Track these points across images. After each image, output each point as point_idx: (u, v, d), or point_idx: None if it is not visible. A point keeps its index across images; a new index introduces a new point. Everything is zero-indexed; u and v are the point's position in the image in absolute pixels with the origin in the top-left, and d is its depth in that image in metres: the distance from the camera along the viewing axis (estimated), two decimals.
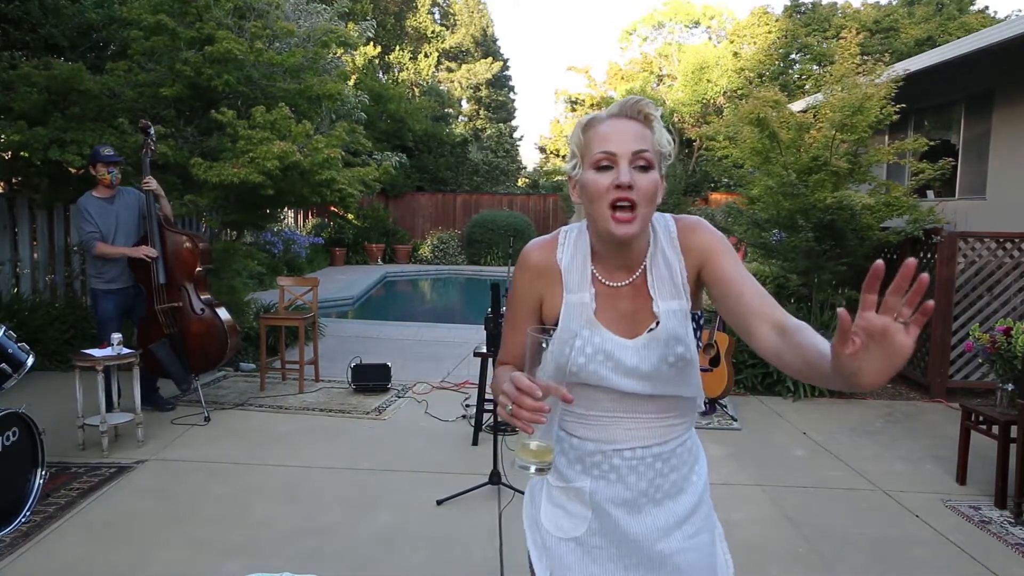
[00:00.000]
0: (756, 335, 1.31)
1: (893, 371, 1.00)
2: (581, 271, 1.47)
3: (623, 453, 1.48)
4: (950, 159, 7.06)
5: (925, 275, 0.96)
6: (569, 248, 1.50)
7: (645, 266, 1.46)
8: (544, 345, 1.34)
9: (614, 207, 1.36)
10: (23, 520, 3.63)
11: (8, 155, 7.10)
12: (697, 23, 27.99)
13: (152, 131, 5.52)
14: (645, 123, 1.41)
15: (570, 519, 1.54)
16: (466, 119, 29.76)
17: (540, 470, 1.33)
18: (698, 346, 1.47)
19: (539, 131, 43.61)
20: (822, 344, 1.14)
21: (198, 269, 5.53)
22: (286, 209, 12.60)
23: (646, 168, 1.37)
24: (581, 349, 1.43)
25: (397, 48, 28.06)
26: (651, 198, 1.37)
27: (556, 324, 1.46)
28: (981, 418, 4.35)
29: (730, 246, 1.47)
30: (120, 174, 5.41)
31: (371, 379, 6.39)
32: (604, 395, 1.46)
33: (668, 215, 1.52)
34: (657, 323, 1.43)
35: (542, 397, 1.24)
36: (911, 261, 0.94)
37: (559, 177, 22.69)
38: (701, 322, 1.51)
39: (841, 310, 1.00)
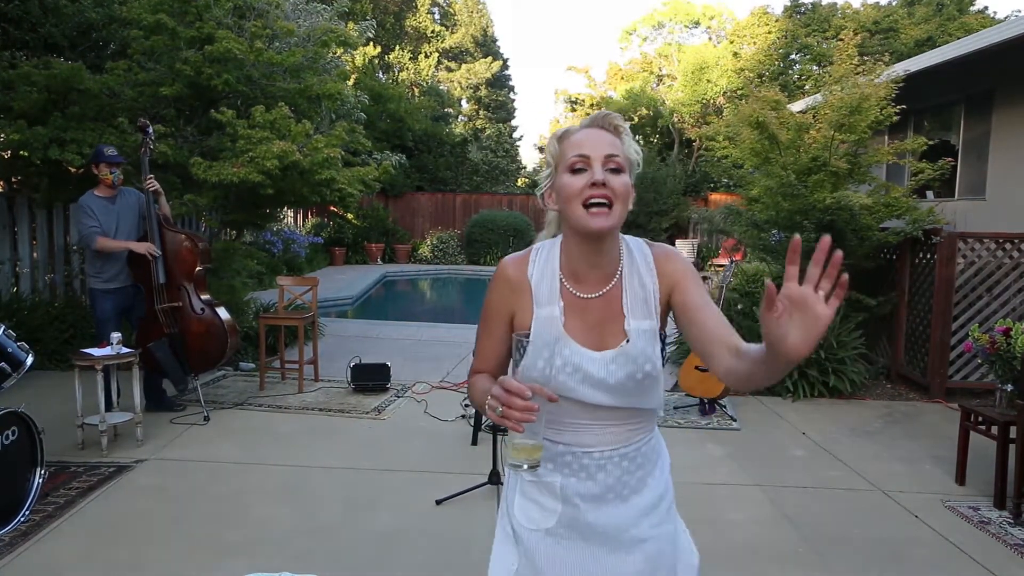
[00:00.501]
0: (715, 357, 1.41)
1: (814, 338, 1.08)
2: (550, 285, 1.54)
3: (592, 454, 1.56)
4: (950, 159, 7.06)
5: (839, 251, 1.06)
6: (539, 263, 1.57)
7: (618, 281, 1.54)
8: (523, 346, 1.44)
9: (587, 205, 1.44)
10: (22, 519, 3.63)
11: (8, 154, 7.10)
12: (697, 23, 27.98)
13: (151, 130, 5.52)
14: (615, 133, 1.51)
15: (541, 512, 1.61)
16: (466, 119, 29.75)
17: (532, 467, 1.41)
18: (665, 358, 1.56)
19: (539, 131, 43.59)
20: (755, 347, 1.27)
21: (197, 269, 5.54)
22: (286, 209, 12.60)
23: (618, 171, 1.47)
24: (550, 361, 1.49)
25: (397, 48, 28.06)
26: (624, 197, 1.46)
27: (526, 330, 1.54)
28: (980, 418, 4.35)
29: (697, 275, 1.57)
30: (122, 174, 5.41)
31: (370, 379, 6.39)
32: (571, 404, 1.52)
33: (642, 240, 1.61)
34: (628, 340, 1.50)
35: (530, 397, 1.31)
36: (826, 238, 1.05)
37: None
38: (666, 343, 1.59)
39: (767, 280, 1.12)
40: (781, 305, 1.09)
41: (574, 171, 1.46)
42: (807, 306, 1.07)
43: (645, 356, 1.49)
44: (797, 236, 1.07)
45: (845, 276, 1.07)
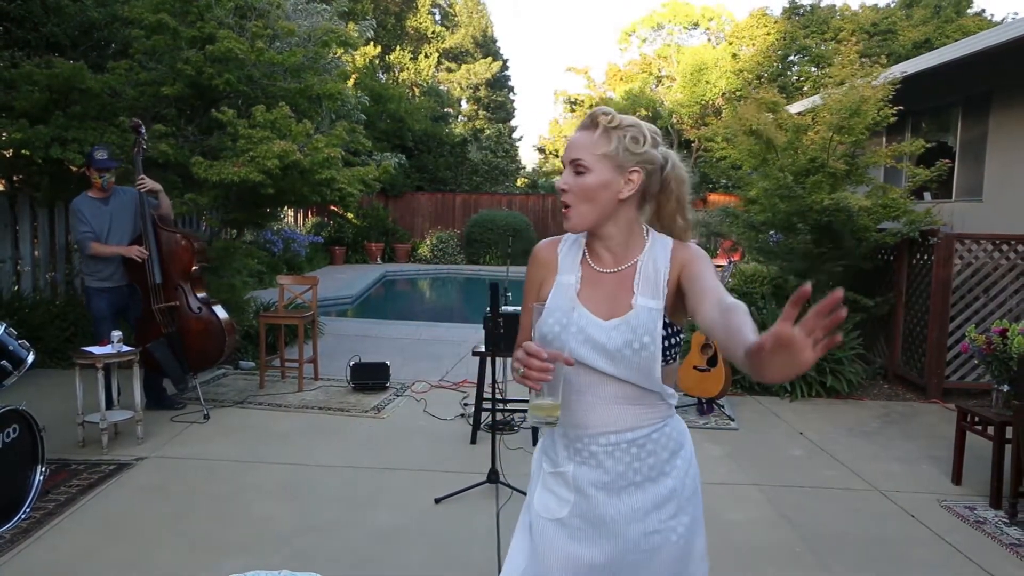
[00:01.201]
0: (700, 311, 1.52)
1: (789, 377, 1.16)
2: (573, 258, 1.71)
3: (598, 440, 1.63)
4: (947, 161, 7.08)
5: (844, 310, 1.08)
6: (569, 242, 1.75)
7: (634, 264, 1.66)
8: (541, 313, 1.64)
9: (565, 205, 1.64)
10: (23, 516, 3.64)
11: (10, 153, 7.11)
12: (696, 24, 28.02)
13: (143, 130, 5.53)
14: (594, 127, 1.63)
15: (557, 502, 1.69)
16: (466, 119, 29.77)
17: (549, 423, 1.56)
18: (675, 353, 1.63)
19: (538, 131, 43.61)
20: (745, 328, 1.33)
21: (194, 268, 5.54)
22: (286, 208, 12.61)
23: (581, 172, 1.61)
24: (559, 320, 1.62)
25: (397, 48, 28.06)
26: (583, 196, 1.61)
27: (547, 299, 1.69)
28: (977, 419, 4.37)
29: (710, 261, 1.66)
30: (114, 177, 5.41)
31: (370, 378, 6.41)
32: (575, 375, 1.60)
33: (672, 239, 1.71)
34: (632, 311, 1.61)
35: (546, 359, 1.45)
36: (838, 293, 1.07)
37: (557, 178, 22.73)
38: (680, 339, 1.65)
39: (807, 286, 1.13)
40: (768, 343, 1.13)
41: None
42: (793, 350, 1.11)
43: (645, 328, 1.57)
44: (807, 286, 1.11)
45: (838, 336, 1.13)
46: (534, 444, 3.92)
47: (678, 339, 1.64)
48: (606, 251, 1.68)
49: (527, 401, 1.59)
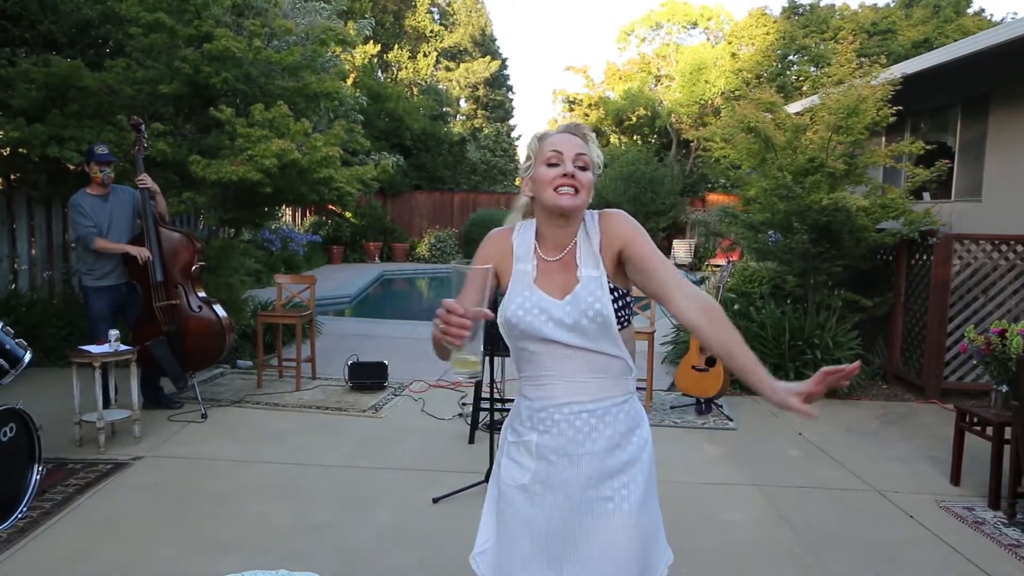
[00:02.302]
0: (672, 300, 1.73)
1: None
2: (527, 249, 1.87)
3: (561, 409, 1.78)
4: (946, 161, 7.08)
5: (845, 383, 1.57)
6: (521, 234, 1.90)
7: (574, 245, 1.84)
8: (462, 274, 1.78)
9: (557, 189, 1.77)
10: (20, 516, 3.63)
11: (7, 152, 7.10)
12: (695, 24, 27.98)
13: (144, 128, 5.52)
14: (584, 140, 1.85)
15: (520, 469, 1.84)
16: (464, 118, 29.75)
17: (471, 377, 1.71)
18: (627, 315, 1.81)
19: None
20: (738, 349, 1.66)
21: (194, 267, 5.54)
22: (284, 207, 12.61)
23: (584, 168, 1.80)
24: (521, 304, 1.78)
25: (396, 47, 28.03)
26: (588, 188, 1.80)
27: (507, 289, 1.84)
28: (976, 419, 4.37)
29: (644, 232, 1.83)
30: (113, 173, 5.40)
31: (368, 377, 6.40)
32: (543, 351, 1.78)
33: (591, 210, 1.91)
34: (579, 284, 1.78)
35: (463, 315, 1.57)
36: (857, 365, 1.63)
37: None
38: (629, 300, 1.83)
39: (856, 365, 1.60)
40: (782, 399, 1.60)
41: (549, 164, 1.79)
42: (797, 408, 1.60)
43: (594, 296, 1.74)
44: (856, 367, 1.59)
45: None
46: None
47: (626, 301, 1.80)
48: (556, 243, 1.84)
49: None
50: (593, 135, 1.89)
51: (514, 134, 30.40)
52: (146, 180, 5.34)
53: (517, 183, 25.33)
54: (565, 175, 1.76)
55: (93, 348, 4.77)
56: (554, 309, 1.76)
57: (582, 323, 1.73)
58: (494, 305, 1.80)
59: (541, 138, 1.87)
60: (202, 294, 5.66)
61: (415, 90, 26.86)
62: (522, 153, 1.97)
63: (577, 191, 1.77)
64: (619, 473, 1.78)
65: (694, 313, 1.70)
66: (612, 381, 1.80)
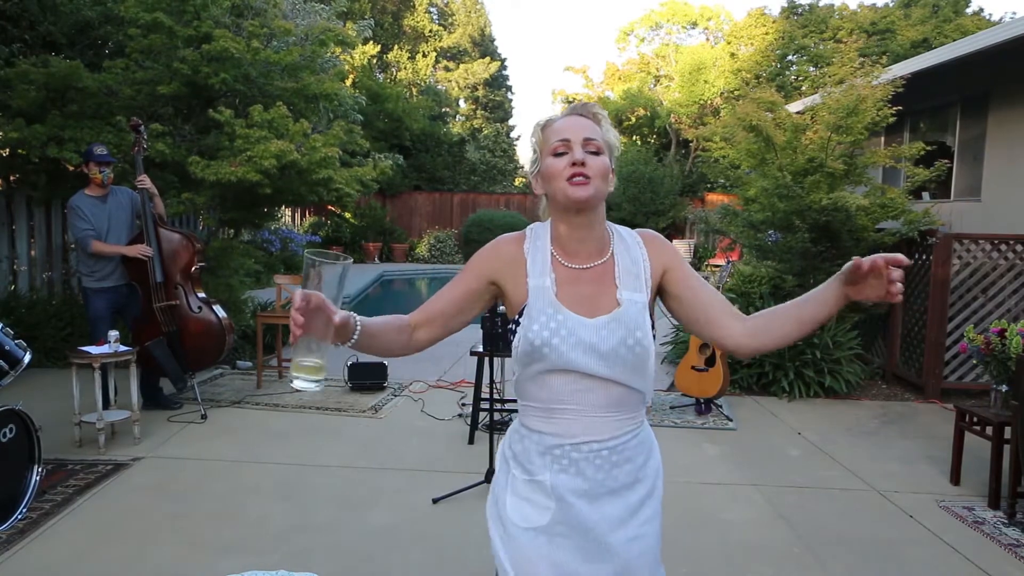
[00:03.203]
0: (724, 326, 1.61)
1: (873, 297, 1.44)
2: (543, 259, 1.63)
3: (580, 448, 1.59)
4: (945, 161, 7.08)
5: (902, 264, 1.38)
6: (534, 240, 1.67)
7: (611, 257, 1.63)
8: (314, 265, 1.42)
9: (569, 179, 1.54)
10: (19, 517, 3.63)
11: (6, 152, 7.10)
12: (695, 24, 27.98)
13: (143, 129, 5.52)
14: (594, 120, 1.63)
15: (535, 509, 1.61)
16: (463, 119, 29.75)
17: (310, 386, 1.43)
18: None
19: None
20: (796, 324, 1.56)
21: (194, 267, 5.54)
22: (283, 207, 12.59)
23: (596, 153, 1.57)
24: (546, 324, 1.55)
25: (395, 47, 28.03)
26: (603, 174, 1.57)
27: (523, 309, 1.60)
28: (975, 419, 4.37)
29: (683, 257, 1.69)
30: (112, 173, 5.40)
31: (367, 377, 6.40)
32: (561, 382, 1.56)
33: (621, 226, 1.72)
34: (620, 307, 1.58)
35: (307, 310, 1.34)
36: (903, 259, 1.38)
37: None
38: (654, 329, 1.63)
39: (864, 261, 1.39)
40: (867, 264, 1.37)
41: (556, 155, 1.57)
42: (884, 277, 1.39)
43: (636, 323, 1.55)
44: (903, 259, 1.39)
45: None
46: None
47: (654, 333, 1.63)
48: (581, 246, 1.62)
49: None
50: (605, 114, 1.66)
51: (513, 134, 30.39)
52: (145, 181, 5.35)
53: (517, 183, 25.23)
54: (575, 163, 1.54)
55: (93, 349, 4.77)
56: (586, 332, 1.54)
57: (620, 352, 1.53)
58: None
59: (544, 126, 1.65)
60: (202, 295, 5.66)
61: (414, 90, 26.86)
62: (523, 154, 1.72)
63: (589, 179, 1.54)
64: (641, 507, 1.64)
65: (748, 339, 1.59)
66: (629, 414, 1.62)
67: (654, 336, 1.60)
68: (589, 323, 1.55)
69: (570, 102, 29.71)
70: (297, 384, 1.40)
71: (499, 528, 1.68)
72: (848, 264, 1.41)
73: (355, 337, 1.52)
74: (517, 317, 1.61)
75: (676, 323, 7.05)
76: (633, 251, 1.65)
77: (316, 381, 1.41)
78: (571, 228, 1.62)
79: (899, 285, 1.38)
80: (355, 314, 1.54)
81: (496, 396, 4.86)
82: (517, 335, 1.58)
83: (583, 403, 1.57)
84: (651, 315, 1.63)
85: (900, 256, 1.36)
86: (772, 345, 1.60)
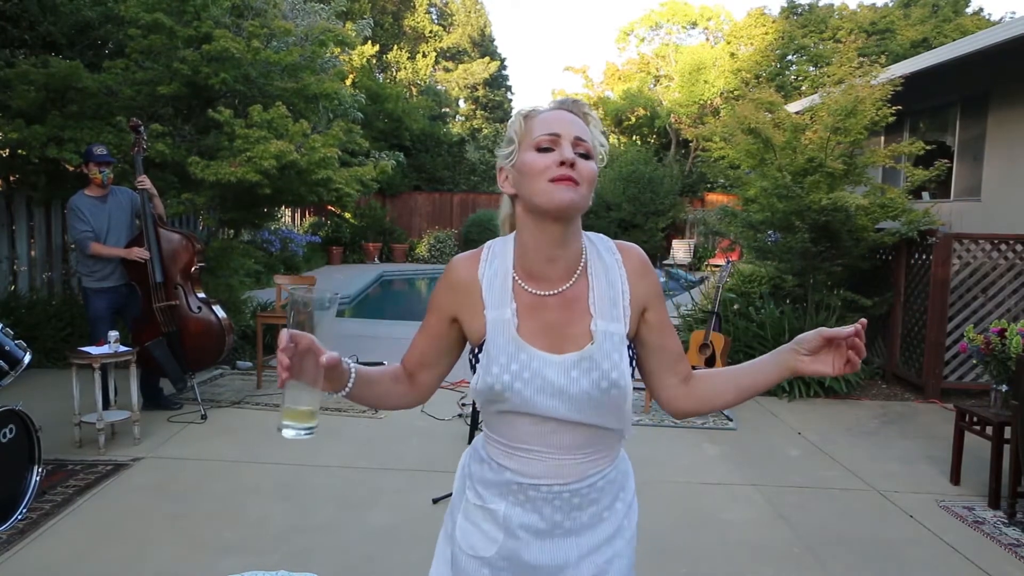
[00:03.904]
0: (665, 386, 1.47)
1: (818, 373, 1.35)
2: (502, 284, 1.41)
3: (539, 488, 1.42)
4: (945, 161, 7.08)
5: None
6: (492, 262, 1.44)
7: (581, 276, 1.41)
8: (301, 304, 1.27)
9: (554, 180, 1.31)
10: (19, 517, 3.63)
11: (6, 153, 7.10)
12: (694, 24, 27.98)
13: (143, 130, 5.52)
14: (584, 120, 1.41)
15: (483, 538, 1.47)
16: (463, 119, 29.78)
17: (301, 434, 1.26)
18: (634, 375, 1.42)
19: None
20: (732, 383, 1.43)
21: (193, 267, 5.54)
22: (283, 208, 12.60)
23: (586, 156, 1.36)
24: (506, 366, 1.35)
25: (395, 47, 28.05)
26: (590, 181, 1.35)
27: (481, 344, 1.40)
28: (975, 419, 4.37)
29: (661, 290, 1.49)
30: (112, 173, 5.40)
31: None
32: (526, 423, 1.39)
33: (602, 235, 1.49)
34: (593, 343, 1.36)
35: (296, 352, 1.21)
36: (863, 323, 1.31)
37: None
38: (635, 354, 1.44)
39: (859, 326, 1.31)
40: (823, 337, 1.31)
41: (541, 149, 1.34)
42: (838, 352, 1.32)
43: (612, 362, 1.34)
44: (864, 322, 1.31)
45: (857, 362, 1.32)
46: None
47: (634, 358, 1.42)
48: (549, 267, 1.39)
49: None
50: (595, 115, 1.43)
51: None
52: (145, 182, 5.34)
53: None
54: (563, 163, 1.31)
55: (93, 349, 4.76)
56: (552, 372, 1.34)
57: (592, 395, 1.34)
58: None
59: (528, 115, 1.41)
60: (201, 295, 5.66)
61: (414, 91, 26.88)
62: (506, 133, 1.48)
63: (578, 184, 1.31)
64: (603, 546, 1.46)
65: (683, 401, 1.46)
66: (603, 454, 1.44)
67: (633, 371, 1.40)
68: (556, 361, 1.35)
69: None
70: (286, 433, 1.24)
71: (445, 547, 1.59)
72: (810, 333, 1.32)
73: (350, 385, 1.34)
74: (476, 351, 1.41)
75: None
76: (611, 272, 1.41)
77: (308, 428, 1.25)
78: (541, 242, 1.37)
79: (857, 356, 1.29)
80: (349, 360, 1.34)
81: None
82: (476, 375, 1.39)
83: (549, 445, 1.39)
84: (631, 342, 1.41)
85: (860, 323, 1.28)
86: (707, 409, 1.46)
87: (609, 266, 1.42)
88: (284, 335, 1.20)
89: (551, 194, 1.31)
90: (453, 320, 1.46)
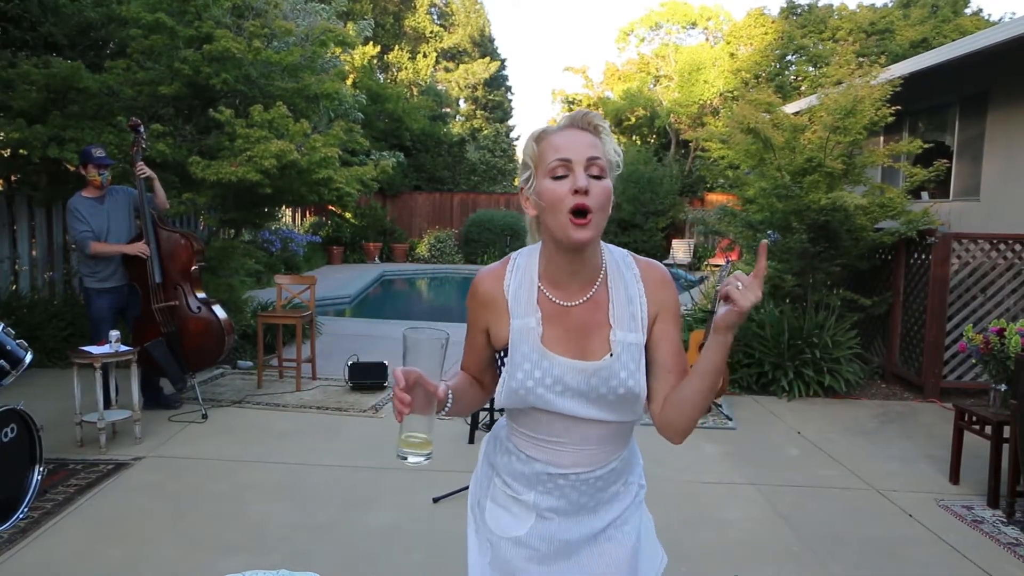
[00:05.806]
0: (655, 399, 1.51)
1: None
2: (528, 294, 1.50)
3: (568, 476, 1.54)
4: (944, 161, 7.09)
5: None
6: (517, 274, 1.53)
7: (602, 287, 1.50)
8: (414, 344, 1.36)
9: (571, 216, 1.39)
10: (21, 516, 3.64)
11: (7, 153, 7.10)
12: (694, 24, 27.97)
13: (143, 129, 5.52)
14: (595, 134, 1.45)
15: (513, 520, 1.60)
16: (463, 119, 29.76)
17: (418, 462, 1.40)
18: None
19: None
20: (693, 388, 1.45)
21: (193, 267, 5.55)
22: (284, 207, 12.62)
23: (599, 176, 1.41)
24: (530, 373, 1.46)
25: (396, 48, 28.04)
26: (604, 206, 1.42)
27: (506, 348, 1.50)
28: (974, 418, 4.38)
29: (679, 308, 1.57)
30: (111, 175, 5.40)
31: (368, 377, 6.40)
32: (552, 418, 1.50)
33: (624, 250, 1.58)
34: (611, 354, 1.46)
35: (409, 388, 1.30)
36: (763, 243, 1.37)
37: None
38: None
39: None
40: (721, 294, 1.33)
41: (556, 177, 1.41)
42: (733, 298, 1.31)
43: (628, 372, 1.45)
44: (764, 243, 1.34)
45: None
46: None
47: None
48: (572, 279, 1.48)
49: None
50: (606, 124, 1.48)
51: (513, 134, 30.41)
52: (144, 168, 5.33)
53: (516, 183, 25.38)
54: (577, 191, 1.37)
55: (94, 349, 4.78)
56: (573, 378, 1.45)
57: (608, 399, 1.46)
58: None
59: (539, 138, 1.47)
60: (201, 295, 5.66)
61: (414, 91, 26.86)
62: (520, 154, 1.54)
63: (588, 214, 1.38)
64: (615, 520, 1.62)
65: (659, 417, 1.52)
66: (622, 441, 1.58)
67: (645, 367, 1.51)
68: (578, 368, 1.46)
69: (570, 102, 29.70)
70: (411, 461, 1.39)
71: (476, 539, 1.69)
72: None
73: (449, 404, 1.43)
74: (501, 354, 1.52)
75: None
76: (631, 288, 1.51)
77: (427, 454, 1.40)
78: (564, 261, 1.47)
79: (731, 287, 1.32)
80: (445, 382, 1.43)
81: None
82: (500, 381, 1.50)
83: (573, 437, 1.52)
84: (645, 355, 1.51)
85: (761, 245, 1.38)
86: (687, 409, 1.47)
87: (629, 282, 1.52)
88: (399, 373, 1.30)
89: (568, 232, 1.39)
90: (486, 331, 1.56)
